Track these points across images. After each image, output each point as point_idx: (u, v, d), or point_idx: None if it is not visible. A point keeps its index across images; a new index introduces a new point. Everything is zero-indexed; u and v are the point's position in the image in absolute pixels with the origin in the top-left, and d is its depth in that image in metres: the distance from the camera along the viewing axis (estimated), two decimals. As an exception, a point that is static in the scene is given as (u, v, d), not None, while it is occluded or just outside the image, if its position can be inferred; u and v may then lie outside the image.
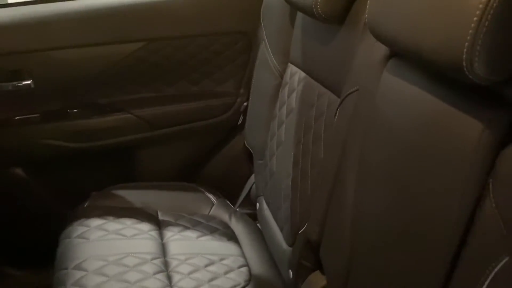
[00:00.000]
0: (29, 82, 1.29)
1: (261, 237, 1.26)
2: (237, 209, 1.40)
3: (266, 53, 1.23)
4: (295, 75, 1.12)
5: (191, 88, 1.43)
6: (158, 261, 1.08)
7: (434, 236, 0.55)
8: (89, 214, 1.21)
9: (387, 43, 0.60)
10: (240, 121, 1.45)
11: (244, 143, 1.40)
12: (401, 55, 0.61)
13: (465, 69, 0.45)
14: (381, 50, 0.68)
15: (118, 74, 1.35)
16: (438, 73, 0.53)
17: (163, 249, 1.14)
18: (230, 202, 1.41)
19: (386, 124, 0.64)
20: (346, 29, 0.88)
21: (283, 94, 1.17)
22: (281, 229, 1.13)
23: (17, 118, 1.32)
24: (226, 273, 1.09)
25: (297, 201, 1.03)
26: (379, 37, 0.61)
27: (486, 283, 0.50)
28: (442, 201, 0.54)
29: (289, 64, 1.16)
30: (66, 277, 1.00)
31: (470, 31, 0.43)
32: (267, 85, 1.24)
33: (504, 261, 0.49)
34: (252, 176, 1.39)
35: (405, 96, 0.60)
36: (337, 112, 0.85)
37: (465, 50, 0.44)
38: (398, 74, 0.62)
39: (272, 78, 1.22)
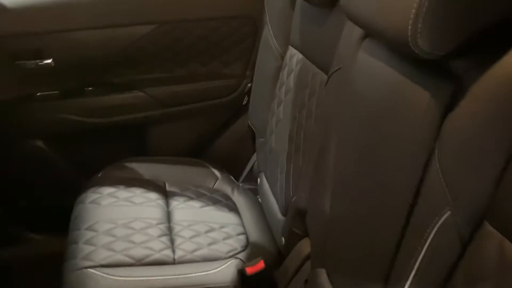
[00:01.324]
0: (49, 61, 1.38)
1: (261, 210, 1.35)
2: (240, 184, 1.49)
3: (269, 36, 1.31)
4: (294, 57, 1.19)
5: (200, 70, 1.51)
6: (162, 226, 1.18)
7: (394, 190, 0.63)
8: (102, 183, 1.31)
9: (358, 23, 0.67)
10: (245, 102, 1.53)
11: (248, 123, 1.49)
12: (371, 34, 0.68)
13: (410, 44, 0.52)
14: (359, 31, 0.74)
15: (132, 55, 1.44)
16: (397, 50, 0.60)
17: (168, 216, 1.23)
18: (234, 178, 1.50)
19: (358, 97, 0.71)
20: (337, 12, 0.94)
21: (283, 75, 1.24)
22: (277, 201, 1.21)
23: (38, 94, 1.43)
24: (224, 239, 1.18)
25: (291, 174, 1.11)
26: (351, 18, 0.68)
27: (433, 232, 0.57)
28: (400, 161, 0.61)
29: (289, 46, 1.23)
30: (79, 236, 1.11)
31: (413, 11, 0.50)
32: (269, 67, 1.31)
33: (446, 214, 0.56)
34: (255, 154, 1.47)
35: (374, 71, 0.67)
36: (324, 89, 0.92)
37: (409, 27, 0.51)
38: (370, 52, 0.69)
39: (273, 60, 1.29)
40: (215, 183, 1.44)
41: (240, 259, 1.11)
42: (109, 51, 1.42)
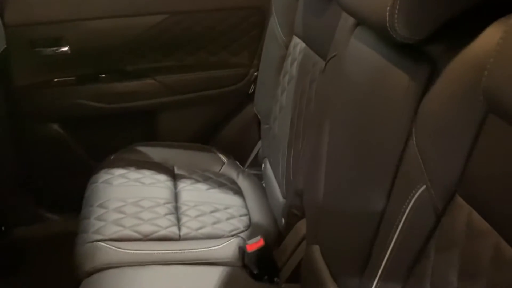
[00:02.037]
0: (66, 48, 1.46)
1: (264, 193, 1.40)
2: (246, 169, 1.54)
3: (274, 26, 1.35)
4: (297, 46, 1.23)
5: (209, 58, 1.57)
6: (170, 205, 1.25)
7: (377, 167, 0.68)
8: (114, 165, 1.38)
9: (348, 11, 0.71)
10: (251, 90, 1.58)
11: (254, 110, 1.54)
12: (360, 21, 0.73)
13: (389, 29, 0.56)
14: (352, 19, 0.79)
15: (144, 44, 1.50)
16: (381, 35, 0.65)
17: (175, 196, 1.30)
18: (240, 163, 1.56)
19: (349, 81, 0.76)
20: (335, 3, 0.99)
21: (287, 63, 1.29)
22: (279, 184, 1.27)
23: (55, 80, 1.50)
24: (228, 219, 1.24)
25: (291, 158, 1.17)
26: (343, 6, 0.73)
27: (411, 204, 0.62)
28: (383, 139, 0.66)
29: (294, 36, 1.28)
30: (91, 212, 1.18)
31: (391, -2, 0.55)
32: (274, 56, 1.36)
33: (422, 188, 0.61)
34: (261, 140, 1.53)
35: (363, 56, 0.72)
36: (322, 75, 0.97)
37: (387, 13, 0.55)
38: (360, 39, 0.74)
39: (278, 49, 1.34)
40: (221, 168, 1.50)
41: (242, 237, 1.17)
42: (123, 40, 1.49)
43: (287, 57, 1.30)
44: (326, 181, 0.87)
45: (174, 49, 1.54)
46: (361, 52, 0.73)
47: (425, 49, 0.59)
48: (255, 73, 1.56)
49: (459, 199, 0.57)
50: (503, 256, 0.50)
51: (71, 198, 1.38)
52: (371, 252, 0.71)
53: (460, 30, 0.55)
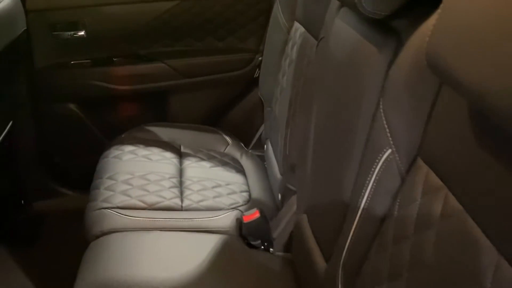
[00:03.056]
0: (82, 33, 1.55)
1: (265, 173, 1.47)
2: (249, 151, 1.61)
3: (277, 12, 1.41)
4: (298, 30, 1.29)
5: (217, 44, 1.64)
6: (174, 180, 1.33)
7: (353, 134, 0.74)
8: (124, 142, 1.47)
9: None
10: (256, 74, 1.65)
11: (259, 94, 1.61)
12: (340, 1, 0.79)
13: (357, 5, 0.62)
14: (337, 2, 0.85)
15: (155, 29, 1.58)
16: (356, 12, 0.70)
17: (180, 172, 1.38)
18: (244, 145, 1.63)
19: (332, 58, 0.82)
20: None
21: (288, 48, 1.35)
22: (277, 162, 1.33)
23: (72, 62, 1.60)
24: (229, 194, 1.32)
25: (288, 136, 1.23)
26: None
27: (378, 166, 0.68)
28: (357, 108, 0.72)
29: (295, 21, 1.34)
30: (101, 183, 1.27)
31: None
32: (277, 41, 1.42)
33: (388, 152, 0.67)
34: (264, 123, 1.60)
35: (344, 34, 0.77)
36: (314, 57, 1.03)
37: (355, -10, 0.61)
38: (343, 19, 0.80)
39: (281, 34, 1.40)
40: (226, 148, 1.57)
41: (241, 210, 1.24)
42: (136, 25, 1.57)
43: (288, 41, 1.36)
44: (313, 154, 0.93)
45: (184, 35, 1.62)
46: (342, 32, 0.79)
47: (392, 23, 0.64)
48: (260, 58, 1.63)
49: (419, 161, 0.63)
50: (450, 207, 0.56)
51: (85, 174, 1.47)
52: (345, 217, 0.77)
53: (424, 4, 0.60)
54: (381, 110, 0.67)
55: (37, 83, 1.58)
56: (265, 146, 1.53)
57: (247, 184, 1.40)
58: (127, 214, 1.16)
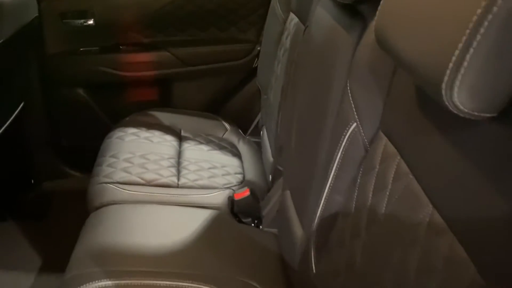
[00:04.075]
0: (91, 21, 1.64)
1: (261, 158, 1.54)
2: (247, 137, 1.69)
3: (275, 3, 1.48)
4: (292, 21, 1.36)
5: (218, 34, 1.71)
6: (173, 160, 1.41)
7: (326, 111, 0.81)
8: (127, 125, 1.55)
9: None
10: (255, 64, 1.72)
11: (257, 83, 1.68)
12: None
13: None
14: (321, -9, 0.92)
15: (160, 19, 1.67)
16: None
17: (179, 153, 1.46)
18: (242, 132, 1.70)
19: (312, 43, 0.88)
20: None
21: (283, 38, 1.42)
22: (271, 146, 1.40)
23: (81, 49, 1.69)
24: (223, 175, 1.39)
25: (279, 120, 1.30)
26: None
27: (345, 139, 0.75)
28: (329, 87, 0.79)
29: (290, 13, 1.40)
30: (103, 161, 1.36)
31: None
32: (274, 31, 1.49)
33: (353, 125, 0.74)
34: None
35: (322, 20, 0.84)
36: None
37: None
38: (322, 6, 0.87)
39: (277, 25, 1.47)
40: (224, 134, 1.64)
41: (233, 190, 1.32)
42: (141, 15, 1.65)
43: (284, 32, 1.43)
44: (296, 133, 1.00)
45: (187, 25, 1.69)
46: (321, 19, 0.86)
47: (359, 8, 0.71)
48: (259, 48, 1.70)
49: (380, 133, 0.70)
50: (401, 171, 0.62)
51: (91, 156, 1.55)
52: (321, 190, 0.84)
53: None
54: (348, 88, 0.74)
55: (48, 68, 1.68)
56: (261, 132, 1.60)
57: (242, 167, 1.47)
58: (126, 188, 1.24)
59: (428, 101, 0.57)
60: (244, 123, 1.75)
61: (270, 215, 1.22)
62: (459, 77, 0.37)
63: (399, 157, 0.64)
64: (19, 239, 1.62)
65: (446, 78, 0.38)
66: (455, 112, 0.40)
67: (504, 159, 0.40)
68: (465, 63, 0.37)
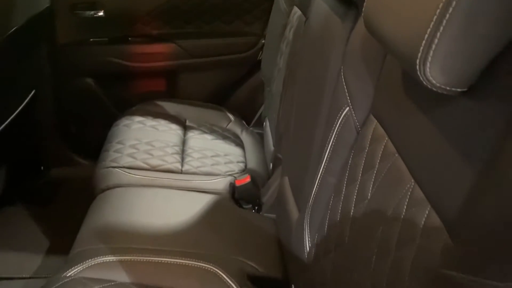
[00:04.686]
0: (101, 13, 1.69)
1: (263, 148, 1.58)
2: (250, 128, 1.73)
3: (279, -2, 1.52)
4: (295, 14, 1.40)
5: (224, 27, 1.75)
6: (177, 148, 1.45)
7: (322, 97, 0.85)
8: (134, 114, 1.60)
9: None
10: (259, 57, 1.76)
11: (261, 75, 1.72)
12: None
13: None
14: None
15: (168, 12, 1.71)
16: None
17: (183, 142, 1.50)
18: (246, 123, 1.74)
19: (311, 33, 0.92)
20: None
21: (287, 31, 1.45)
22: (272, 137, 1.44)
23: (91, 39, 1.74)
24: (226, 163, 1.43)
25: (281, 109, 1.34)
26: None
27: (338, 122, 0.79)
28: (324, 74, 0.83)
29: (294, 6, 1.44)
30: (110, 146, 1.41)
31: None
32: (278, 25, 1.53)
33: (346, 109, 0.77)
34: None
35: (320, 10, 0.88)
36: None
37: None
38: (321, -3, 0.91)
39: (281, 18, 1.51)
40: (228, 124, 1.69)
41: (235, 177, 1.36)
42: (150, 7, 1.70)
43: (287, 25, 1.46)
44: (294, 120, 1.04)
45: (194, 18, 1.74)
46: (320, 9, 0.89)
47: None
48: (263, 41, 1.74)
49: (371, 116, 0.74)
50: (387, 151, 0.66)
51: (98, 145, 1.60)
52: (315, 173, 0.88)
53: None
54: (342, 73, 0.78)
55: (59, 58, 1.73)
56: (264, 123, 1.64)
57: (244, 157, 1.51)
58: (131, 173, 1.29)
59: (412, 84, 0.60)
60: (248, 114, 1.79)
61: (270, 201, 1.26)
62: (431, 53, 0.41)
63: (387, 138, 0.67)
64: (28, 222, 1.68)
65: (419, 55, 0.42)
66: (429, 86, 0.44)
67: (474, 129, 0.44)
68: (436, 41, 0.40)
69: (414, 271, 0.51)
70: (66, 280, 0.91)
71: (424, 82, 0.44)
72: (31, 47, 1.59)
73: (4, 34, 1.26)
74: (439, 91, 0.44)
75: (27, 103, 1.55)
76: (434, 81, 0.43)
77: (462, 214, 0.44)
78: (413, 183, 0.57)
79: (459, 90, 0.43)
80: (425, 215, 0.53)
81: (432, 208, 0.52)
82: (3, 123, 1.37)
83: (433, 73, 0.42)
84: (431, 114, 0.54)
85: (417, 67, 0.43)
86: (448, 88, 0.43)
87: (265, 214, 1.25)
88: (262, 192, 1.33)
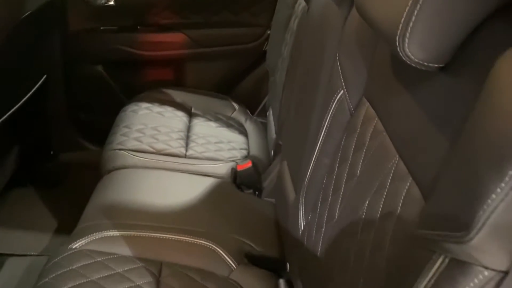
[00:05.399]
0: (112, 2, 1.73)
1: (266, 136, 1.62)
2: (254, 117, 1.76)
3: (284, -12, 1.55)
4: (300, 5, 1.43)
5: (231, 18, 1.79)
6: (182, 133, 1.49)
7: (318, 81, 0.88)
8: (141, 100, 1.64)
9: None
10: (265, 47, 1.79)
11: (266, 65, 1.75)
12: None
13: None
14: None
15: (176, 2, 1.75)
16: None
17: (188, 128, 1.54)
18: (250, 112, 1.78)
19: (311, 22, 0.96)
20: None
21: (291, 21, 1.49)
22: (274, 125, 1.48)
23: (102, 28, 1.78)
24: (229, 149, 1.47)
25: (283, 99, 1.37)
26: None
27: (333, 105, 0.83)
28: (322, 59, 0.86)
29: (299, -3, 1.47)
30: (117, 130, 1.45)
31: None
32: (283, 15, 1.56)
33: (340, 92, 0.81)
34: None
35: (317, 4, 0.91)
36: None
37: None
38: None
39: (286, 9, 1.54)
40: (232, 113, 1.73)
41: (237, 163, 1.40)
42: (159, -4, 1.74)
43: (292, 15, 1.49)
44: (294, 106, 1.08)
45: (201, 8, 1.78)
46: (318, 2, 0.93)
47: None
48: (269, 32, 1.77)
49: (363, 99, 0.77)
50: (377, 130, 0.69)
51: (106, 131, 1.65)
52: (310, 153, 0.91)
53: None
54: (337, 57, 0.81)
55: (70, 45, 1.77)
56: (267, 112, 1.67)
57: (247, 144, 1.55)
58: (137, 155, 1.33)
59: (400, 66, 0.64)
60: (252, 104, 1.82)
61: (270, 186, 1.30)
62: (409, 30, 0.44)
63: (376, 118, 0.71)
64: (37, 203, 1.74)
65: (399, 32, 0.45)
66: (409, 62, 0.47)
67: (450, 103, 0.47)
68: (413, 18, 0.44)
69: (394, 236, 0.54)
70: (71, 252, 0.96)
71: (404, 58, 0.47)
72: (43, 33, 1.64)
73: (18, 18, 1.30)
74: (418, 66, 0.47)
75: (38, 87, 1.60)
76: (412, 57, 0.46)
77: (436, 180, 0.47)
78: (397, 159, 0.61)
79: (436, 65, 0.46)
80: (406, 188, 0.56)
81: (413, 180, 0.56)
82: (16, 105, 1.42)
83: (412, 49, 0.45)
84: (414, 92, 0.57)
85: (397, 43, 0.46)
86: (426, 63, 0.46)
87: (265, 199, 1.29)
88: (263, 177, 1.37)
